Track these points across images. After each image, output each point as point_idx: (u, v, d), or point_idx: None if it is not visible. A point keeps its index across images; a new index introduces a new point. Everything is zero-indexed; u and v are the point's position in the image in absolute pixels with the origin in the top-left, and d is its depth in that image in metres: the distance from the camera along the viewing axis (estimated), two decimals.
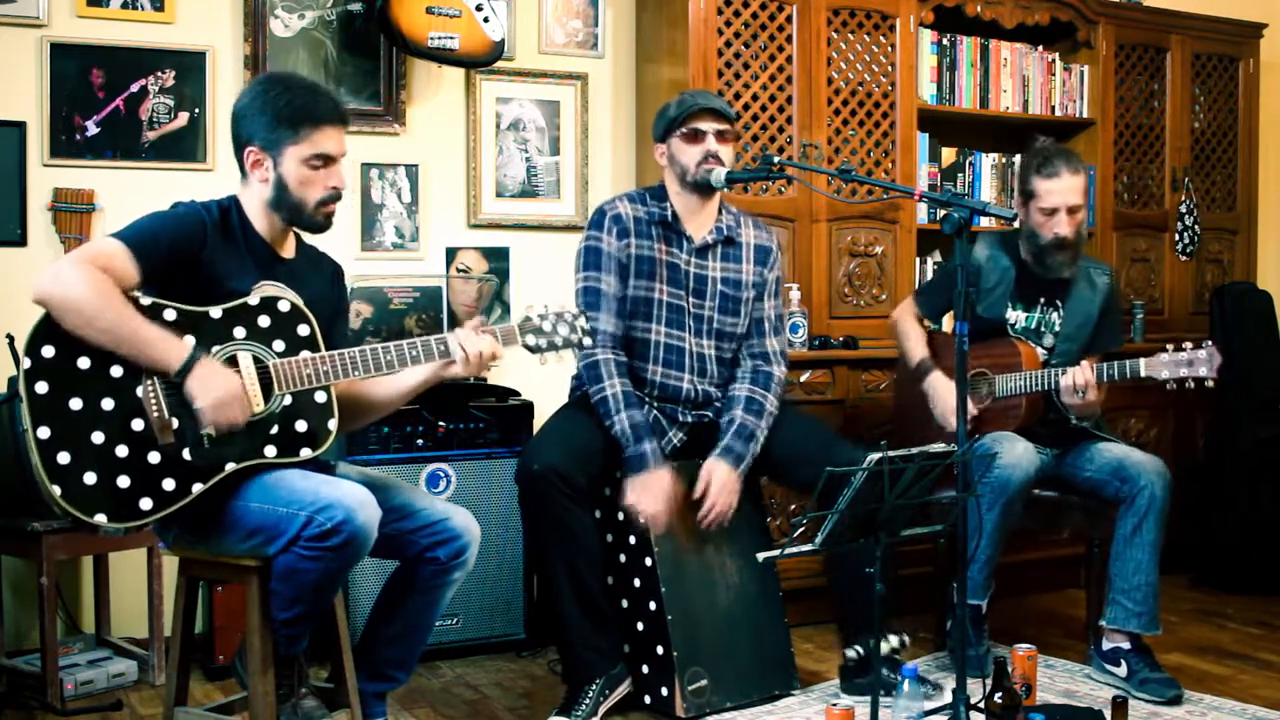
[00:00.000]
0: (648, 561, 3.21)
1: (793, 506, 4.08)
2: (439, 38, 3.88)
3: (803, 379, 4.13)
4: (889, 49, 4.45)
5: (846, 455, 3.09)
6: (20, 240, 3.62)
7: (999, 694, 2.69)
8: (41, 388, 2.33)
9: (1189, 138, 5.15)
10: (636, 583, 3.25)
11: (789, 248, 4.26)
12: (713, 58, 4.13)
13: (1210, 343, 3.27)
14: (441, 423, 3.76)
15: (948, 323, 4.01)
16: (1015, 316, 3.67)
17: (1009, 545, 3.51)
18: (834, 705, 2.61)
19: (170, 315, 2.44)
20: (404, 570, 2.73)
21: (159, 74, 3.77)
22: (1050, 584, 4.63)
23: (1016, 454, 3.37)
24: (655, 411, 3.31)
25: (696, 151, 3.26)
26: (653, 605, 3.20)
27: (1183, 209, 5.12)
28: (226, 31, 3.86)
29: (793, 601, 3.59)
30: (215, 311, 2.48)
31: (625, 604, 3.29)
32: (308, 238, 2.80)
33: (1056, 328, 3.65)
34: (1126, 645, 3.42)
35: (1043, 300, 3.66)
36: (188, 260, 2.49)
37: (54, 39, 3.64)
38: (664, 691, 3.19)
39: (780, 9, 4.25)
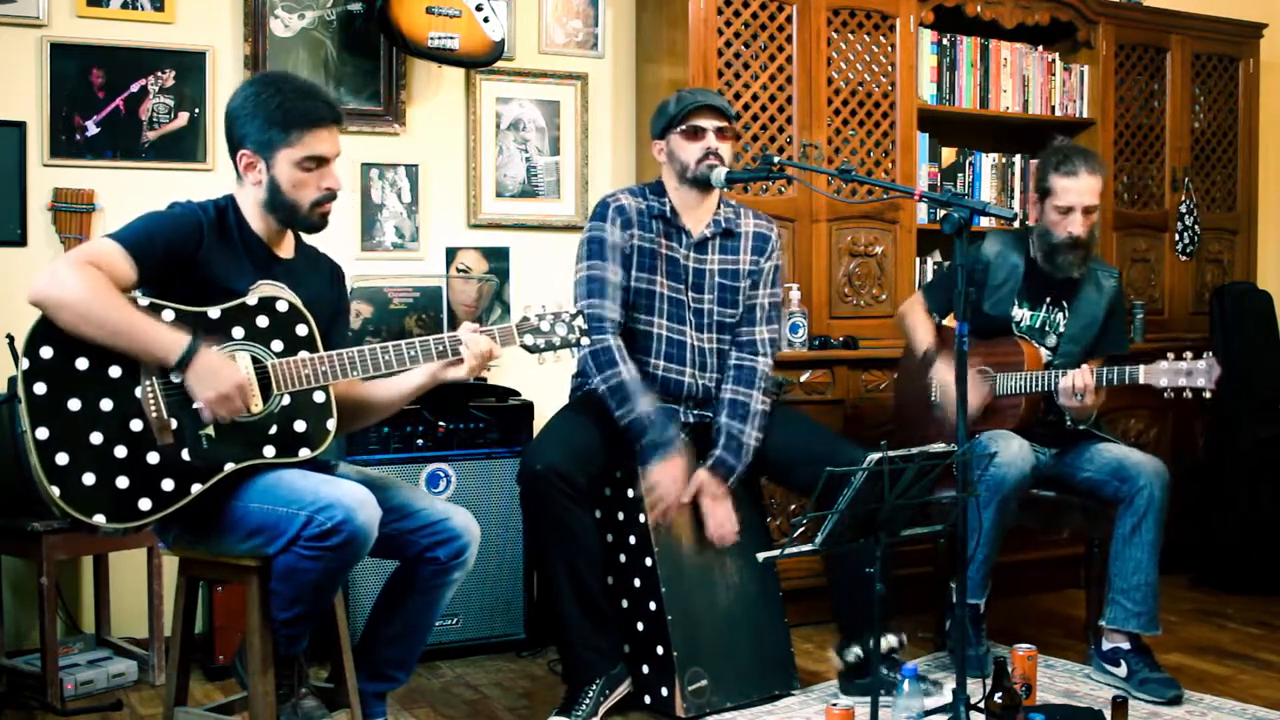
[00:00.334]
0: (648, 561, 3.21)
1: (793, 506, 4.08)
2: (439, 38, 3.88)
3: (803, 379, 4.13)
4: (889, 49, 4.44)
5: (847, 455, 3.09)
6: (20, 240, 3.63)
7: (999, 694, 2.69)
8: (40, 389, 2.33)
9: (1189, 138, 5.15)
10: (636, 583, 3.25)
11: (789, 248, 4.26)
12: (713, 58, 4.13)
13: (1210, 354, 3.27)
14: (441, 423, 3.76)
15: (952, 320, 4.01)
16: (1021, 315, 3.66)
17: (1008, 545, 3.52)
18: (834, 705, 2.62)
19: (168, 315, 2.44)
20: (404, 570, 2.73)
21: (159, 74, 3.77)
22: (1050, 584, 4.63)
23: (1012, 452, 3.37)
24: None
25: (696, 148, 3.26)
26: (653, 605, 3.20)
27: (1183, 209, 5.12)
28: (226, 31, 3.87)
29: (793, 601, 3.59)
30: (213, 312, 2.48)
31: (625, 604, 3.29)
32: (307, 237, 2.80)
33: (1061, 328, 3.65)
34: (1126, 645, 3.42)
35: (1049, 300, 3.66)
36: (184, 260, 2.49)
37: (54, 39, 3.64)
38: (664, 691, 3.19)
39: (780, 9, 4.25)
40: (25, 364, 2.34)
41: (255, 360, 2.49)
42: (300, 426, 2.52)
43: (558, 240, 4.32)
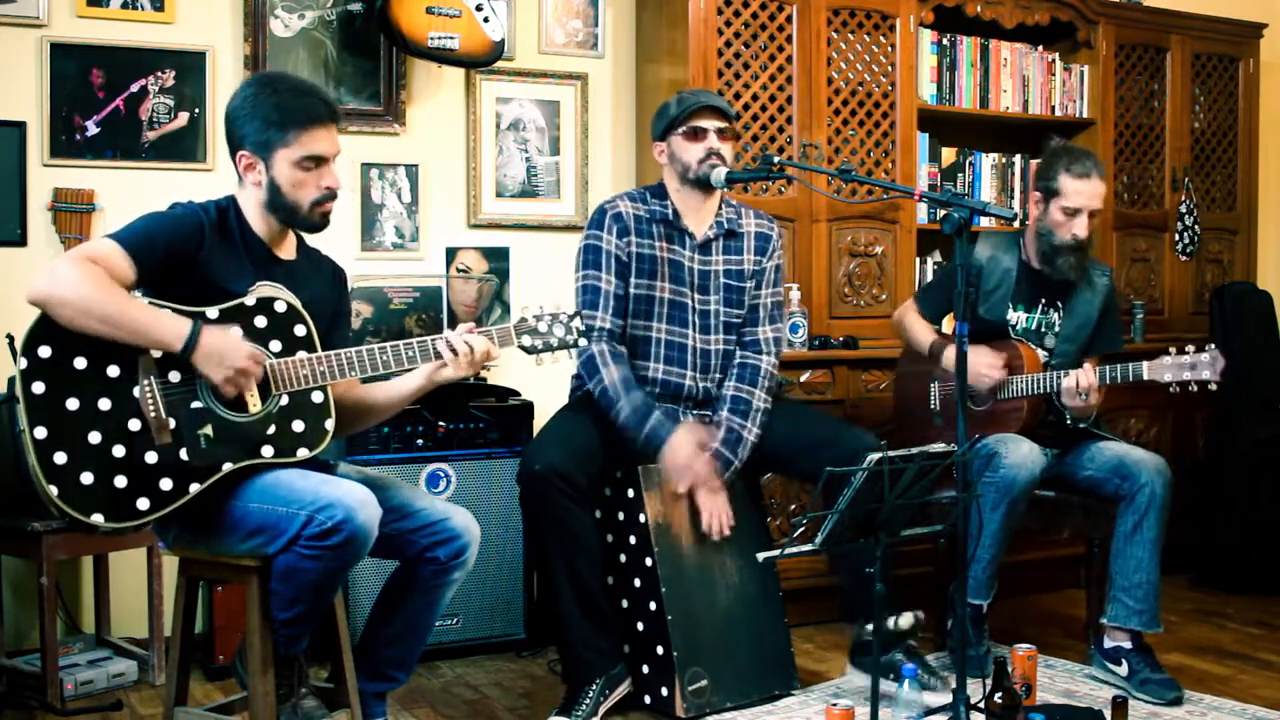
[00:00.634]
0: (648, 561, 3.21)
1: (793, 506, 4.08)
2: (439, 38, 3.88)
3: (803, 379, 4.13)
4: (889, 49, 4.44)
5: (851, 440, 3.10)
6: (20, 240, 3.63)
7: (999, 694, 2.69)
8: (38, 388, 2.33)
9: (1189, 138, 5.15)
10: (636, 583, 3.25)
11: (789, 248, 4.26)
12: (713, 58, 4.13)
13: (1213, 346, 3.27)
14: (441, 423, 3.76)
15: (948, 324, 4.00)
16: (1016, 318, 3.66)
17: (1010, 545, 3.51)
18: (834, 705, 2.61)
19: None
20: (404, 570, 2.73)
21: (159, 74, 3.77)
22: (1050, 584, 4.63)
23: (1021, 454, 3.36)
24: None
25: (698, 149, 3.27)
26: (653, 605, 3.20)
27: (1183, 209, 5.12)
28: (226, 31, 3.87)
29: (793, 601, 3.59)
30: (212, 312, 2.48)
31: (625, 604, 3.29)
32: (309, 239, 2.80)
33: (1057, 329, 3.65)
34: (1127, 644, 3.41)
35: (1044, 301, 3.66)
36: (184, 261, 2.49)
37: (54, 39, 3.64)
38: (664, 691, 3.19)
39: (780, 9, 4.25)
40: (23, 363, 2.33)
41: None
42: (298, 426, 2.52)
43: (558, 240, 4.32)
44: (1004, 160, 4.89)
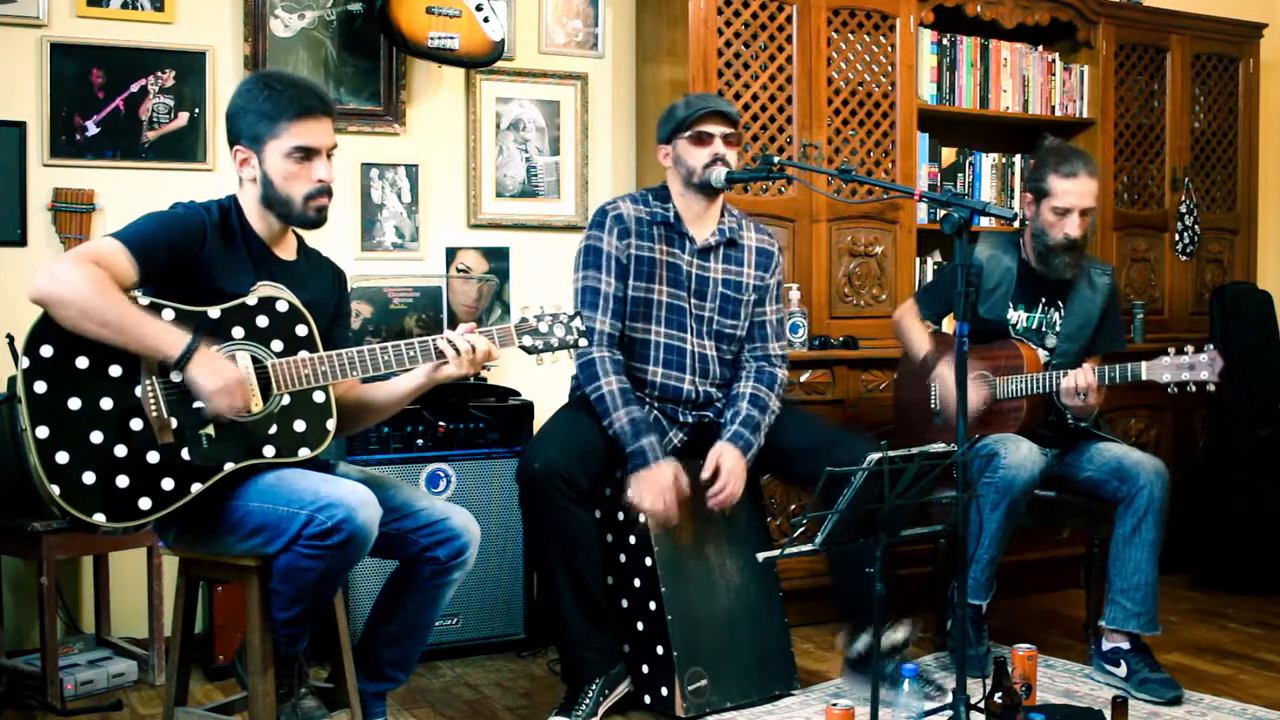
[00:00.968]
0: (648, 561, 3.21)
1: (793, 506, 4.08)
2: (439, 38, 3.88)
3: (803, 379, 4.13)
4: (889, 49, 4.44)
5: (849, 446, 3.10)
6: (20, 240, 3.63)
7: (999, 694, 2.69)
8: (40, 387, 2.33)
9: (1189, 138, 5.15)
10: (636, 583, 3.25)
11: (789, 248, 4.26)
12: (713, 58, 4.13)
13: (1212, 346, 3.27)
14: (441, 423, 3.76)
15: (948, 324, 4.01)
16: (1017, 317, 3.66)
17: (1009, 545, 3.51)
18: (834, 705, 2.61)
19: (168, 315, 2.44)
20: (404, 570, 2.73)
21: (159, 74, 3.77)
22: (1050, 584, 4.63)
23: (1021, 455, 3.36)
24: (655, 412, 3.31)
25: (704, 154, 3.26)
26: (653, 605, 3.20)
27: (1183, 209, 5.12)
28: (226, 31, 3.87)
29: (793, 601, 3.59)
30: (214, 312, 2.48)
31: (625, 604, 3.29)
32: (310, 240, 2.80)
33: (1058, 328, 3.65)
34: (1126, 645, 3.41)
35: (1044, 300, 3.66)
36: (186, 261, 2.49)
37: (54, 39, 3.64)
38: (664, 691, 3.19)
39: (780, 9, 4.25)
40: (25, 363, 2.34)
41: (255, 360, 2.49)
42: (300, 426, 2.52)
43: (558, 240, 4.32)
44: (1004, 160, 4.89)
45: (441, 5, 3.89)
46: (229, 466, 2.45)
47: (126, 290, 2.39)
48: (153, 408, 2.39)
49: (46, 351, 2.35)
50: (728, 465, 3.20)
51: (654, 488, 3.12)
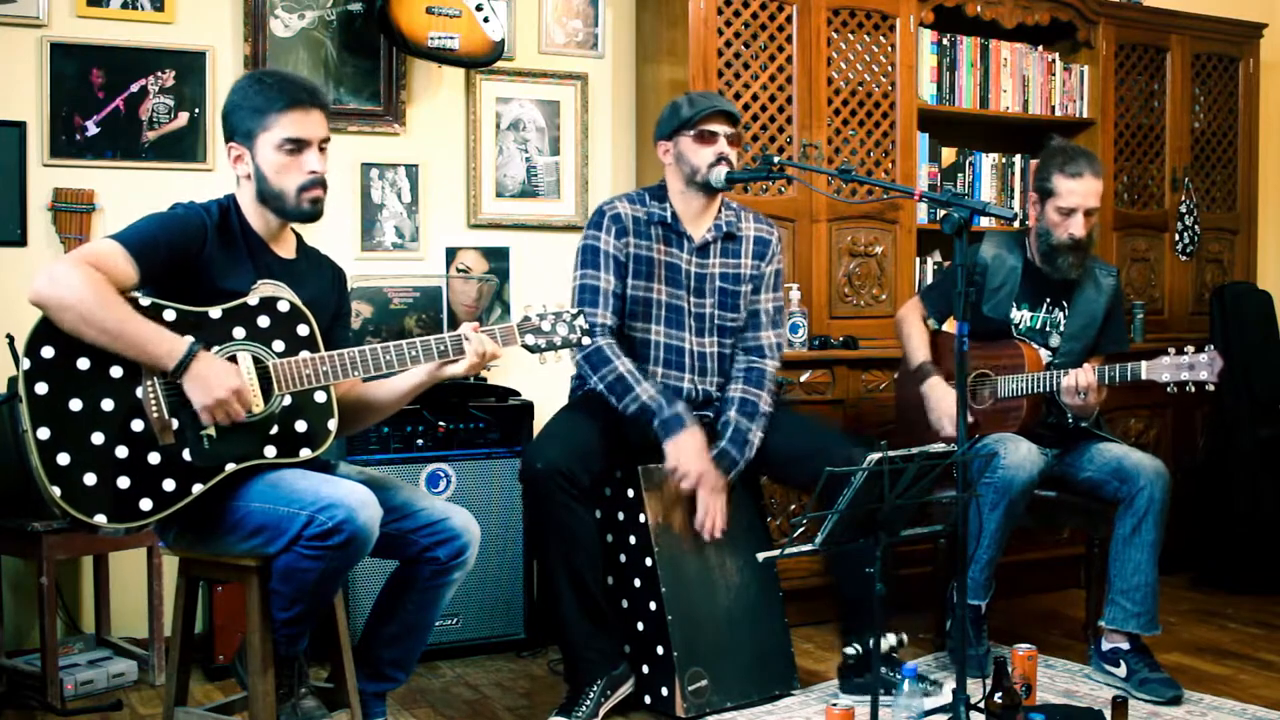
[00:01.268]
0: (648, 561, 3.21)
1: (793, 506, 4.08)
2: (439, 38, 3.88)
3: (803, 379, 4.13)
4: (889, 49, 4.45)
5: (845, 451, 3.10)
6: (20, 240, 3.63)
7: (999, 694, 2.69)
8: (41, 388, 2.33)
9: (1189, 138, 5.15)
10: (636, 583, 3.25)
11: (789, 248, 4.26)
12: (713, 58, 4.13)
13: (1212, 346, 3.27)
14: (441, 423, 3.76)
15: (951, 325, 4.01)
16: (1020, 316, 3.66)
17: (1009, 545, 3.51)
18: (834, 705, 2.61)
19: (170, 316, 2.44)
20: (404, 570, 2.73)
21: (159, 74, 3.77)
22: (1050, 584, 4.63)
23: (1020, 455, 3.36)
24: None
25: (709, 153, 3.26)
26: (653, 605, 3.20)
27: (1183, 209, 5.13)
28: (226, 31, 3.87)
29: (793, 601, 3.60)
30: (215, 312, 2.48)
31: (625, 604, 3.29)
32: (309, 238, 2.80)
33: (1062, 328, 3.65)
34: (1126, 645, 3.42)
35: (1048, 300, 3.66)
36: (187, 262, 2.49)
37: (54, 39, 3.64)
38: (664, 691, 3.19)
39: (780, 9, 4.25)
40: (27, 364, 2.33)
41: (256, 360, 2.49)
42: (301, 426, 2.52)
43: (558, 240, 4.32)
44: (1004, 160, 4.89)
45: (441, 5, 3.89)
46: (230, 467, 2.45)
47: (126, 291, 2.39)
48: (154, 409, 2.39)
49: (48, 352, 2.35)
50: (706, 491, 3.21)
51: (692, 452, 3.14)
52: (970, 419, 3.50)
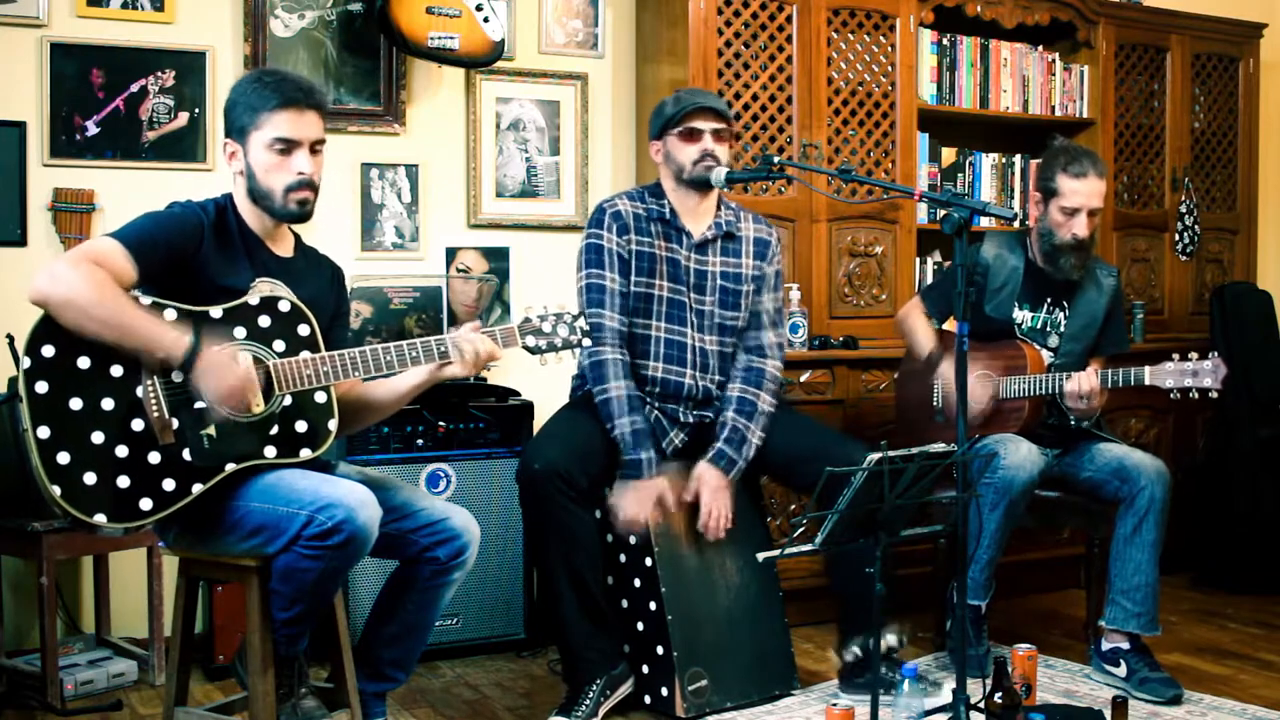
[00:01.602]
0: (648, 561, 3.21)
1: (793, 506, 4.08)
2: (439, 38, 3.88)
3: (803, 379, 4.13)
4: (889, 49, 4.45)
5: (846, 452, 3.10)
6: (20, 240, 3.62)
7: (999, 694, 2.69)
8: (41, 387, 2.33)
9: (1189, 138, 5.15)
10: (636, 583, 3.25)
11: (789, 248, 4.26)
12: (713, 58, 4.13)
13: (1215, 354, 3.27)
14: (441, 423, 3.76)
15: (952, 324, 4.01)
16: (1022, 316, 3.66)
17: (1009, 545, 3.51)
18: (834, 705, 2.61)
19: (170, 315, 2.44)
20: (404, 570, 2.73)
21: (159, 74, 3.77)
22: (1050, 584, 4.63)
23: (1021, 455, 3.36)
24: (656, 412, 3.30)
25: (693, 150, 3.26)
26: (653, 605, 3.20)
27: (1183, 209, 5.13)
28: (226, 31, 3.86)
29: (793, 601, 3.59)
30: (215, 311, 2.48)
31: (625, 604, 3.29)
32: (309, 238, 2.80)
33: (1062, 328, 3.65)
34: (1126, 645, 3.42)
35: (1049, 300, 3.66)
36: (185, 260, 2.49)
37: (54, 39, 3.64)
38: (664, 691, 3.19)
39: (780, 9, 4.25)
40: (27, 363, 2.33)
41: (257, 360, 2.49)
42: (302, 426, 2.52)
43: (558, 240, 4.32)
44: (1004, 160, 4.89)
45: (441, 5, 3.89)
46: (230, 467, 2.45)
47: (126, 290, 2.39)
48: (154, 408, 2.39)
49: (48, 351, 2.35)
50: (708, 490, 3.21)
51: (637, 499, 3.14)
52: (983, 407, 3.51)
